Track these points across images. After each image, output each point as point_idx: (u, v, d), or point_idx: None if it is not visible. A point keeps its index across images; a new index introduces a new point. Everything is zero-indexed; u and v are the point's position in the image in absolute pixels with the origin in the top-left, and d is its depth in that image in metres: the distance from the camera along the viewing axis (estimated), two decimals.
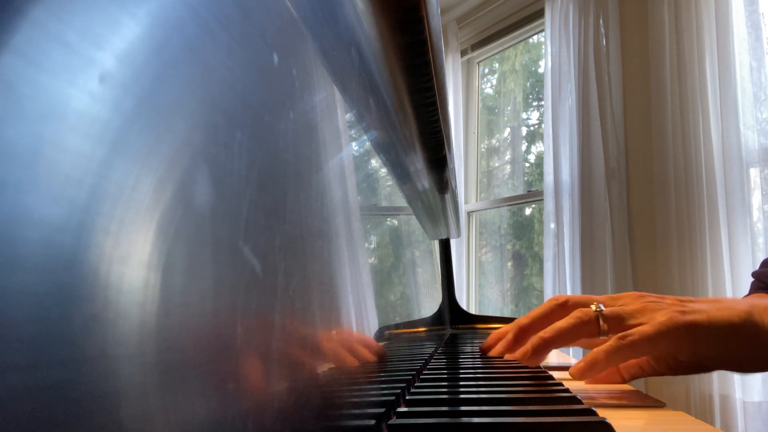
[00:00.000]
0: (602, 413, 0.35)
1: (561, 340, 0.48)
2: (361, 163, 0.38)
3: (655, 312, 0.45)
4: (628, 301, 0.49)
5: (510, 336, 0.53)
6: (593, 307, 0.48)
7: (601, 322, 0.47)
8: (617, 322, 0.47)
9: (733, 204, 1.60)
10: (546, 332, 0.48)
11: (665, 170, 1.74)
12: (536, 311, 0.52)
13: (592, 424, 0.32)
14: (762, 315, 0.45)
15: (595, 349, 0.45)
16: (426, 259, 0.96)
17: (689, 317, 0.44)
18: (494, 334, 0.64)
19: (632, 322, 0.46)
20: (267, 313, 0.17)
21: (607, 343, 0.45)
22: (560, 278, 2.01)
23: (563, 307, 0.51)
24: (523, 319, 0.52)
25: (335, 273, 0.27)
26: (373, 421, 0.30)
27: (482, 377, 0.52)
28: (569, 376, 0.53)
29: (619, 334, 0.45)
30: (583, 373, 0.45)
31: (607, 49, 1.95)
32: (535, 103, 2.74)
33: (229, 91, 0.16)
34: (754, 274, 0.81)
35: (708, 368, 0.47)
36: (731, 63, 1.63)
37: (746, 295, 0.80)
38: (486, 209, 2.70)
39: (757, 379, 1.51)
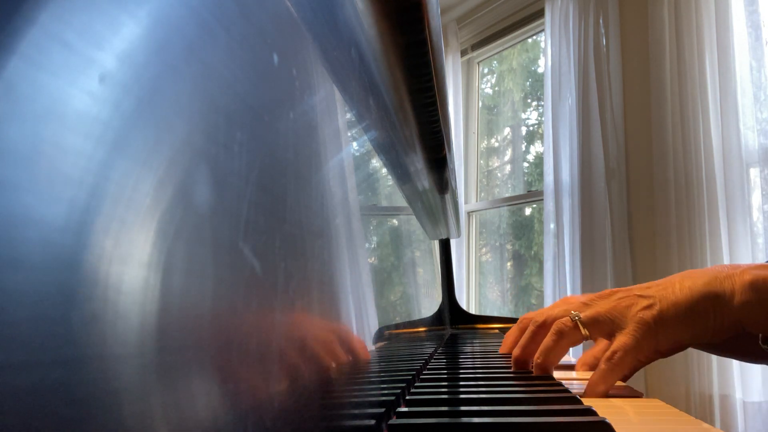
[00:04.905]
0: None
1: (553, 357, 0.52)
2: (361, 163, 0.38)
3: (625, 310, 0.49)
4: (600, 303, 0.52)
5: (513, 369, 0.57)
6: (570, 316, 0.51)
7: (581, 328, 0.50)
8: (596, 326, 0.50)
9: (733, 204, 1.60)
10: (539, 356, 0.52)
11: (665, 170, 1.74)
12: (523, 339, 0.55)
13: (592, 424, 0.32)
14: (723, 282, 0.47)
15: (591, 375, 0.49)
16: (426, 259, 0.96)
17: (655, 310, 0.48)
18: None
19: (610, 327, 0.50)
20: (267, 313, 0.17)
21: (598, 369, 0.48)
22: (560, 278, 2.01)
23: (543, 327, 0.54)
24: (516, 351, 0.56)
25: (335, 273, 0.27)
26: (373, 421, 0.30)
27: (482, 377, 0.52)
28: (569, 376, 0.56)
29: (605, 356, 0.48)
30: (589, 396, 0.48)
31: (607, 49, 1.95)
32: (534, 103, 2.74)
33: (229, 92, 0.16)
34: None
35: (686, 346, 0.50)
36: (731, 63, 1.62)
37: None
38: (486, 209, 2.70)
39: (757, 378, 1.51)
